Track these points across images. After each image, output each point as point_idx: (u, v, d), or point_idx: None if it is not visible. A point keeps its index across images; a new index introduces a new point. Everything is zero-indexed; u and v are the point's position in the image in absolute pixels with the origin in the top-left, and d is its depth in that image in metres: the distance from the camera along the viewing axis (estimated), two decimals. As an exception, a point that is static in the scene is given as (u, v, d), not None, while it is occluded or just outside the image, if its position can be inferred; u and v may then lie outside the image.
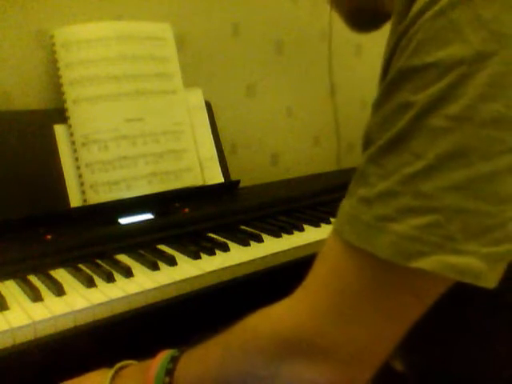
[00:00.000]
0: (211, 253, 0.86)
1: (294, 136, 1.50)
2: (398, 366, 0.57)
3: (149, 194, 1.03)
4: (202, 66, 1.29)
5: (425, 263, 0.37)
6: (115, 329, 0.69)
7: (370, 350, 0.41)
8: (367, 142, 0.42)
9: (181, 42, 1.22)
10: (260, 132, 1.43)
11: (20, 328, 0.63)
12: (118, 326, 0.69)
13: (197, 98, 1.18)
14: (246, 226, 1.01)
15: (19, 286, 0.75)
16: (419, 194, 0.37)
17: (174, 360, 0.52)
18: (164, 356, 0.54)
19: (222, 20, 1.32)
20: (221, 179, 1.17)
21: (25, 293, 0.73)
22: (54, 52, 1.03)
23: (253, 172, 1.33)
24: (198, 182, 1.12)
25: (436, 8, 0.37)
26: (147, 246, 0.89)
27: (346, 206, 0.42)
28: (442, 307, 0.41)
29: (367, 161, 0.41)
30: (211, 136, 1.18)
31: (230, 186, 1.17)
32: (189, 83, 1.16)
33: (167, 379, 0.51)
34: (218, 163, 1.17)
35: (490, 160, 0.36)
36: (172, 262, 0.82)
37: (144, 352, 0.57)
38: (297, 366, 0.42)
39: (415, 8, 0.39)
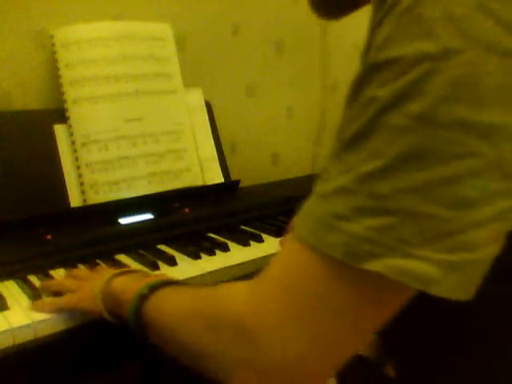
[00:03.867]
0: (211, 253, 0.86)
1: (293, 136, 1.50)
2: (391, 372, 0.56)
3: (149, 194, 1.03)
4: (202, 66, 1.29)
5: (376, 265, 0.36)
6: (115, 329, 0.69)
7: (317, 355, 0.39)
8: (337, 141, 0.40)
9: (181, 42, 1.22)
10: (260, 132, 1.43)
11: (20, 328, 0.63)
12: (119, 325, 0.69)
13: (197, 98, 1.18)
14: (246, 225, 1.01)
15: (19, 286, 0.75)
16: (374, 195, 0.36)
17: (153, 288, 0.55)
18: (162, 277, 0.58)
19: (222, 20, 1.32)
20: (221, 179, 1.17)
21: (25, 293, 0.73)
22: (54, 52, 1.03)
23: (253, 172, 1.33)
24: (198, 182, 1.12)
25: (405, 2, 0.36)
26: (147, 246, 0.89)
27: (305, 201, 0.41)
28: (436, 318, 0.40)
29: (331, 156, 0.40)
30: (211, 136, 1.18)
31: (229, 186, 1.16)
32: (189, 83, 1.16)
33: (138, 304, 0.55)
34: (218, 163, 1.17)
35: (449, 163, 0.34)
36: (172, 261, 0.82)
37: (145, 350, 0.57)
38: (242, 352, 0.41)
39: (387, 3, 0.37)
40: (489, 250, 0.37)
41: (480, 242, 0.36)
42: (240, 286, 0.44)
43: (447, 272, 0.35)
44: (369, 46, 0.39)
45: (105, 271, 0.73)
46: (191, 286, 0.55)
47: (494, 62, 0.34)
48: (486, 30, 0.34)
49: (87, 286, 0.68)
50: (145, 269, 0.80)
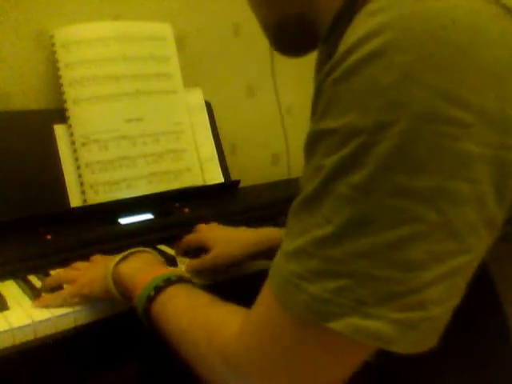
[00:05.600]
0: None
1: (294, 136, 1.50)
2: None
3: (149, 194, 1.03)
4: (202, 66, 1.29)
5: (336, 325, 0.37)
6: (115, 328, 0.69)
7: None
8: (298, 197, 0.43)
9: (181, 42, 1.22)
10: (260, 132, 1.43)
11: (20, 328, 0.63)
12: (118, 325, 0.69)
13: (197, 98, 1.18)
14: (247, 225, 1.01)
15: (19, 285, 0.75)
16: (329, 259, 0.38)
17: (159, 289, 0.57)
18: (167, 273, 0.60)
19: (222, 20, 1.32)
20: (221, 179, 1.17)
21: (25, 293, 0.73)
22: (54, 52, 1.03)
23: (253, 172, 1.33)
24: (198, 182, 1.12)
25: (338, 72, 0.38)
26: (147, 246, 0.89)
27: (277, 252, 0.43)
28: None
29: (291, 212, 0.42)
30: (211, 136, 1.18)
31: (230, 186, 1.16)
32: (189, 83, 1.16)
33: (152, 293, 0.58)
34: (218, 163, 1.17)
35: (393, 229, 0.36)
36: (172, 262, 0.82)
37: (144, 350, 0.57)
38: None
39: (325, 69, 0.39)
40: (447, 305, 0.38)
41: (434, 300, 0.37)
42: (233, 320, 0.46)
43: (404, 330, 0.37)
44: (313, 111, 0.41)
45: (104, 258, 0.74)
46: (191, 293, 0.58)
47: (425, 129, 0.35)
48: (413, 99, 0.35)
49: (89, 272, 0.70)
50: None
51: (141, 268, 0.63)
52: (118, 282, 0.64)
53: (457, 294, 0.39)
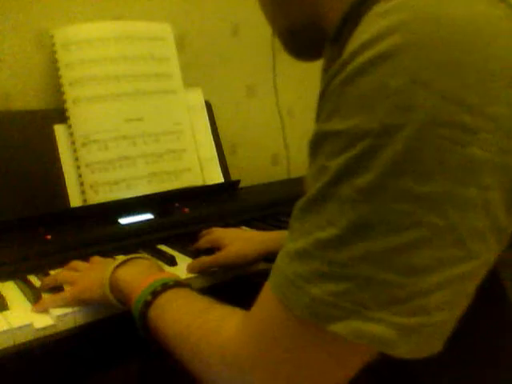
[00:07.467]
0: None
1: (293, 136, 1.50)
2: None
3: (149, 194, 1.03)
4: (202, 66, 1.29)
5: (338, 327, 0.37)
6: (115, 328, 0.69)
7: None
8: (303, 197, 0.42)
9: (181, 42, 1.22)
10: (260, 132, 1.43)
11: (20, 328, 0.63)
12: (119, 325, 0.69)
13: (197, 98, 1.18)
14: (247, 225, 1.01)
15: (19, 286, 0.75)
16: (331, 261, 0.37)
17: (156, 294, 0.57)
18: (164, 277, 0.60)
19: (221, 20, 1.32)
20: (221, 179, 1.17)
21: (25, 293, 0.73)
22: (54, 52, 1.03)
23: (253, 172, 1.33)
24: (198, 182, 1.12)
25: (345, 73, 0.37)
26: (147, 246, 0.89)
27: (280, 252, 0.43)
28: None
29: (295, 212, 0.42)
30: (211, 136, 1.18)
31: (230, 186, 1.16)
32: (189, 83, 1.16)
33: (149, 298, 0.57)
34: (218, 163, 1.17)
35: (398, 233, 0.36)
36: (172, 262, 0.82)
37: (144, 349, 0.57)
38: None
39: (331, 70, 0.39)
40: (451, 311, 0.38)
41: (437, 305, 0.37)
42: (232, 321, 0.46)
43: (406, 335, 0.36)
44: (318, 112, 0.41)
45: (103, 261, 0.74)
46: (189, 297, 0.57)
47: (432, 134, 0.34)
48: (421, 103, 0.34)
49: (87, 276, 0.69)
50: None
51: (138, 273, 0.63)
52: (115, 288, 0.64)
53: (463, 299, 0.38)
